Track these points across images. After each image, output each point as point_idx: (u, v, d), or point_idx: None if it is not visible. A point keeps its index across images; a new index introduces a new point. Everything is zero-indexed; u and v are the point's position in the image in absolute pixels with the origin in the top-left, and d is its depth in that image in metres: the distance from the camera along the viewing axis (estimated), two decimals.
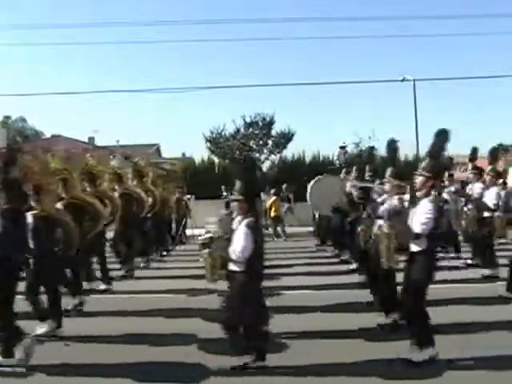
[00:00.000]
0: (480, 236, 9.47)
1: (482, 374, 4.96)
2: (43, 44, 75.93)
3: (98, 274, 9.13)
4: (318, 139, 60.91)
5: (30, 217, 6.09)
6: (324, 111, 60.63)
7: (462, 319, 6.53)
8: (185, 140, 74.50)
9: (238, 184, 5.22)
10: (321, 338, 6.09)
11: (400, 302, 5.63)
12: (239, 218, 5.21)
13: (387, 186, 6.87)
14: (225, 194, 16.25)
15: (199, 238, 5.39)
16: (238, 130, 23.82)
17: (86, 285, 8.21)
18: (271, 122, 23.89)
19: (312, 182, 11.87)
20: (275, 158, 25.23)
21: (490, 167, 9.70)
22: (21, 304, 5.84)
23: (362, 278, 8.37)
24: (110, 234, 10.46)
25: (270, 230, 17.65)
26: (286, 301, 7.81)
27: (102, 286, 8.93)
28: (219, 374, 5.07)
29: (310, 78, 66.83)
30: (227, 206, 12.64)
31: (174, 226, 15.61)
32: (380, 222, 6.30)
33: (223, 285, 5.34)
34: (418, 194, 5.39)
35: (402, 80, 24.83)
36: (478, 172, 9.85)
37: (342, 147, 20.61)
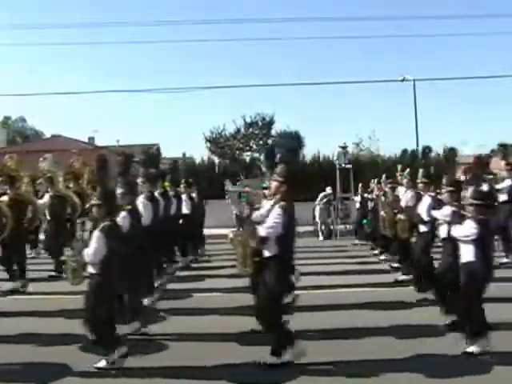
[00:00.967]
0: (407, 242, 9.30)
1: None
2: (43, 44, 76.15)
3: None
4: (318, 139, 60.86)
5: None
6: (324, 111, 60.62)
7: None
8: (185, 140, 74.49)
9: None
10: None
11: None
12: (273, 199, 5.36)
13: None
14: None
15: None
16: (238, 130, 23.80)
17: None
18: (271, 122, 23.89)
19: None
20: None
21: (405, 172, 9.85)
22: None
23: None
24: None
25: None
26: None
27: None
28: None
29: (310, 77, 66.83)
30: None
31: None
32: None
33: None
34: (273, 198, 5.47)
35: (402, 80, 24.84)
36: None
37: (343, 147, 20.55)
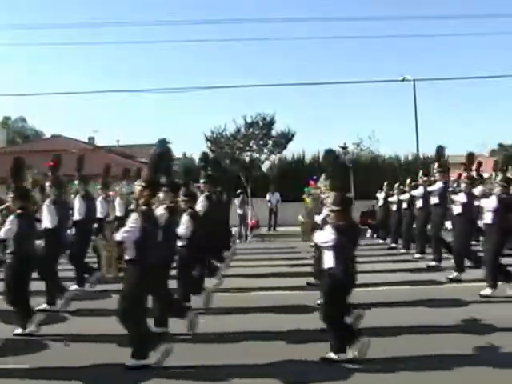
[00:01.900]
0: None
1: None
2: (43, 44, 75.88)
3: None
4: (318, 139, 60.86)
5: None
6: (324, 111, 60.58)
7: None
8: (185, 140, 74.46)
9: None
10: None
11: None
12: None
13: None
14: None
15: None
16: (238, 130, 23.76)
17: None
18: (271, 122, 23.84)
19: None
20: (275, 157, 25.23)
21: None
22: None
23: None
24: None
25: None
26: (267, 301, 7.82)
27: None
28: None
29: (310, 77, 66.77)
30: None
31: None
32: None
33: None
34: (139, 202, 5.54)
35: (402, 80, 24.84)
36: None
37: (343, 147, 20.59)
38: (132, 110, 70.50)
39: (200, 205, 8.68)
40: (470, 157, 10.30)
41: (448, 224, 10.73)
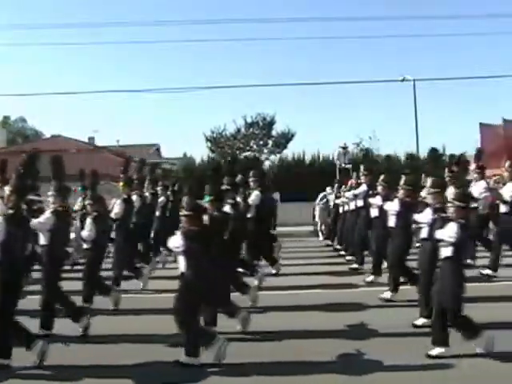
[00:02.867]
0: None
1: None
2: (43, 44, 75.85)
3: None
4: (318, 139, 60.80)
5: None
6: (324, 111, 60.52)
7: None
8: (185, 140, 74.44)
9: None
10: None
11: None
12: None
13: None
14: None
15: None
16: (238, 130, 23.80)
17: None
18: (271, 122, 23.88)
19: None
20: (275, 157, 25.26)
21: None
22: None
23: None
24: None
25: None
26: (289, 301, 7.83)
27: None
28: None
29: (310, 78, 66.74)
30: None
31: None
32: None
33: None
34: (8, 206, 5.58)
35: (402, 80, 24.84)
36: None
37: (343, 147, 20.59)
38: (132, 110, 70.57)
39: (117, 208, 8.95)
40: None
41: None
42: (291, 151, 26.14)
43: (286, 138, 24.04)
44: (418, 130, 25.13)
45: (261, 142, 23.82)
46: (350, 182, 13.05)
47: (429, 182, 6.78)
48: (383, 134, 59.27)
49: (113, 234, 8.99)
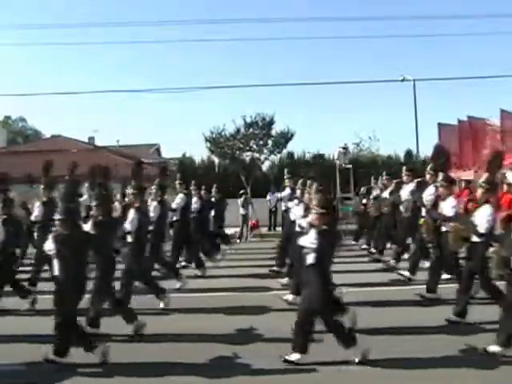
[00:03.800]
0: None
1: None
2: (43, 44, 75.90)
3: None
4: (318, 139, 60.76)
5: None
6: (324, 111, 60.53)
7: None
8: (185, 140, 74.42)
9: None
10: None
11: None
12: None
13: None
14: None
15: None
16: (238, 130, 23.77)
17: None
18: (271, 122, 23.86)
19: None
20: (275, 158, 25.27)
21: None
22: None
23: None
24: None
25: None
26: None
27: None
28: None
29: (310, 77, 66.73)
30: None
31: None
32: None
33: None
34: None
35: (402, 80, 24.82)
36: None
37: (343, 147, 20.59)
38: (132, 109, 70.57)
39: (37, 210, 9.33)
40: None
41: None
42: (291, 151, 26.26)
43: (285, 138, 24.02)
44: (417, 130, 25.16)
45: (260, 142, 23.79)
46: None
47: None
48: (383, 134, 59.27)
49: None
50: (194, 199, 12.15)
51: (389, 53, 57.29)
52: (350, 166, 20.49)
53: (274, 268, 10.38)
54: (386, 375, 5.01)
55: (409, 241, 10.31)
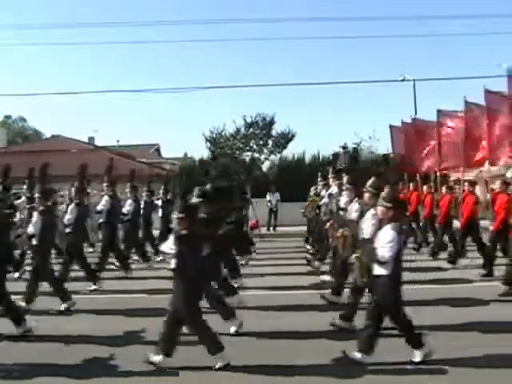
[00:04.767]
0: None
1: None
2: (43, 44, 75.95)
3: None
4: (318, 139, 60.82)
5: None
6: (324, 111, 60.60)
7: None
8: (185, 140, 74.49)
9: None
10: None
11: None
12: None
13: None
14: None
15: None
16: (238, 130, 23.77)
17: None
18: (271, 122, 23.85)
19: None
20: (275, 158, 25.24)
21: None
22: None
23: None
24: None
25: None
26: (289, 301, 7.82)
27: None
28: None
29: (310, 77, 66.81)
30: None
31: None
32: None
33: None
34: None
35: (402, 80, 24.86)
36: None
37: (343, 147, 20.56)
38: (132, 109, 70.64)
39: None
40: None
41: None
42: (291, 151, 26.21)
43: (285, 138, 24.02)
44: None
45: (261, 142, 23.79)
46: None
47: None
48: (383, 134, 59.31)
49: None
50: (128, 202, 12.01)
51: (389, 53, 57.38)
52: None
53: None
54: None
55: None
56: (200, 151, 52.27)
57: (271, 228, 20.50)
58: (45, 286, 7.82)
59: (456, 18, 53.53)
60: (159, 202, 13.60)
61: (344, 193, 8.29)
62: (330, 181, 10.45)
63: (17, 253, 10.04)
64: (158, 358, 5.18)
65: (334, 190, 9.86)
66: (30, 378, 5.10)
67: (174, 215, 5.41)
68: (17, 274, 9.96)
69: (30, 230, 7.66)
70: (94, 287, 9.15)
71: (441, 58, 61.51)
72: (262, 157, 24.23)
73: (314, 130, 53.98)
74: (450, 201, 11.62)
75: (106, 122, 71.59)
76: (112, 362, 5.50)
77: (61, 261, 9.57)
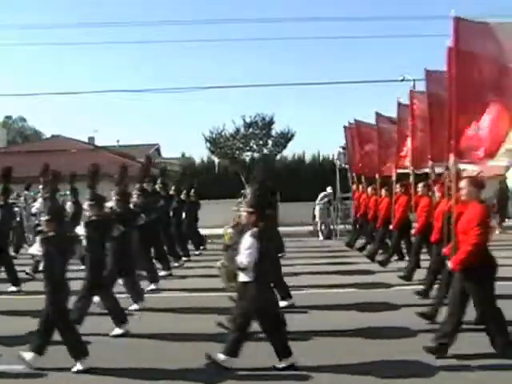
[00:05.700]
0: None
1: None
2: (43, 44, 75.91)
3: None
4: (318, 139, 60.81)
5: None
6: (324, 111, 60.59)
7: None
8: (185, 140, 74.47)
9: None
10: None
11: None
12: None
13: None
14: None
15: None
16: (237, 130, 23.77)
17: None
18: (271, 122, 23.86)
19: None
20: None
21: None
22: None
23: None
24: None
25: None
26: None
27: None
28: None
29: (310, 77, 66.78)
30: None
31: None
32: None
33: None
34: None
35: (402, 80, 24.83)
36: None
37: (343, 147, 20.57)
38: (132, 109, 70.60)
39: None
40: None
41: None
42: (291, 151, 26.21)
43: (285, 138, 24.02)
44: None
45: (260, 142, 23.79)
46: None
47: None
48: None
49: None
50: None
51: (389, 53, 57.38)
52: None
53: None
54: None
55: None
56: (199, 152, 52.44)
57: None
58: None
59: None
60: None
61: None
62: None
63: None
64: (28, 356, 5.29)
65: None
66: None
67: (43, 218, 5.60)
68: None
69: None
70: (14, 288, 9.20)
71: (441, 57, 61.40)
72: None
73: (314, 130, 53.97)
74: (388, 203, 11.19)
75: (105, 122, 71.56)
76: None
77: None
